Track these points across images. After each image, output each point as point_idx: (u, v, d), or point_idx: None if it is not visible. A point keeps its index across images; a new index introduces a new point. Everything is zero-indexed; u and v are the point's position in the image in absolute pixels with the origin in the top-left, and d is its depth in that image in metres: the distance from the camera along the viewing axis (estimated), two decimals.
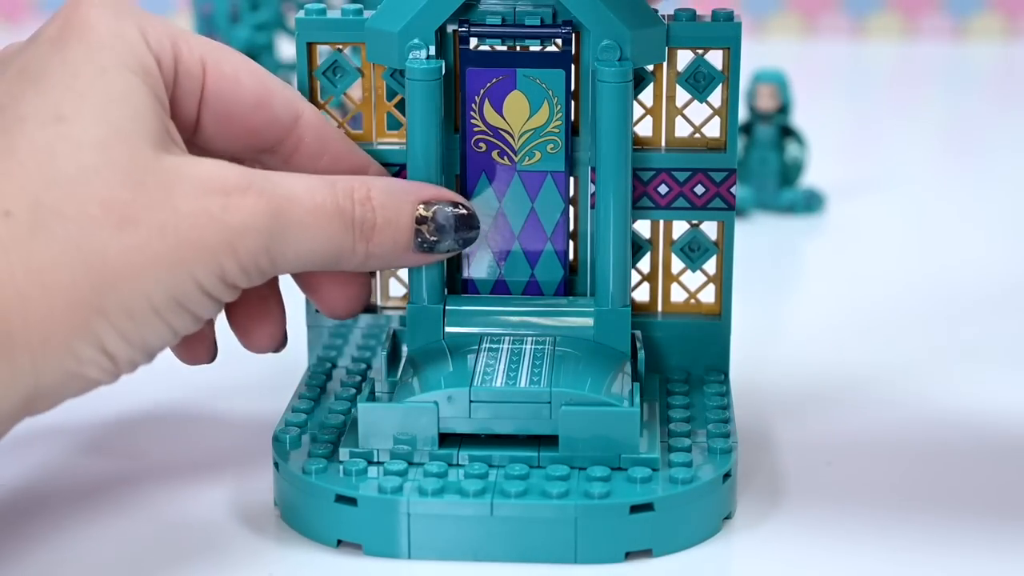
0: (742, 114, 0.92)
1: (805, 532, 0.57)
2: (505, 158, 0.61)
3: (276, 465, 0.57)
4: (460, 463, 0.56)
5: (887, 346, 0.74)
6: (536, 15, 0.59)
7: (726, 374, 0.63)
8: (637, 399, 0.57)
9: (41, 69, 0.52)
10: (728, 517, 0.57)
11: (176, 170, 0.52)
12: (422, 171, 0.59)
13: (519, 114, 0.60)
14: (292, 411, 0.60)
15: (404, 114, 0.60)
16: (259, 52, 0.97)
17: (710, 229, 0.63)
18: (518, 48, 0.60)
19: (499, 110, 0.60)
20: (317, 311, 0.64)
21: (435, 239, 0.57)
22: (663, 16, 0.60)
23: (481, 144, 0.61)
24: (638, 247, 0.63)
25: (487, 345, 0.59)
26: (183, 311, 0.52)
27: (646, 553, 0.55)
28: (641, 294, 0.64)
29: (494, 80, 0.60)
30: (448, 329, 0.61)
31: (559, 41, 0.59)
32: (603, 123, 0.59)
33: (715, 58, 0.61)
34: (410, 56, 0.58)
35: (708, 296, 0.64)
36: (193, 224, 0.51)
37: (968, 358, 0.73)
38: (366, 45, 0.60)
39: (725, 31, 0.60)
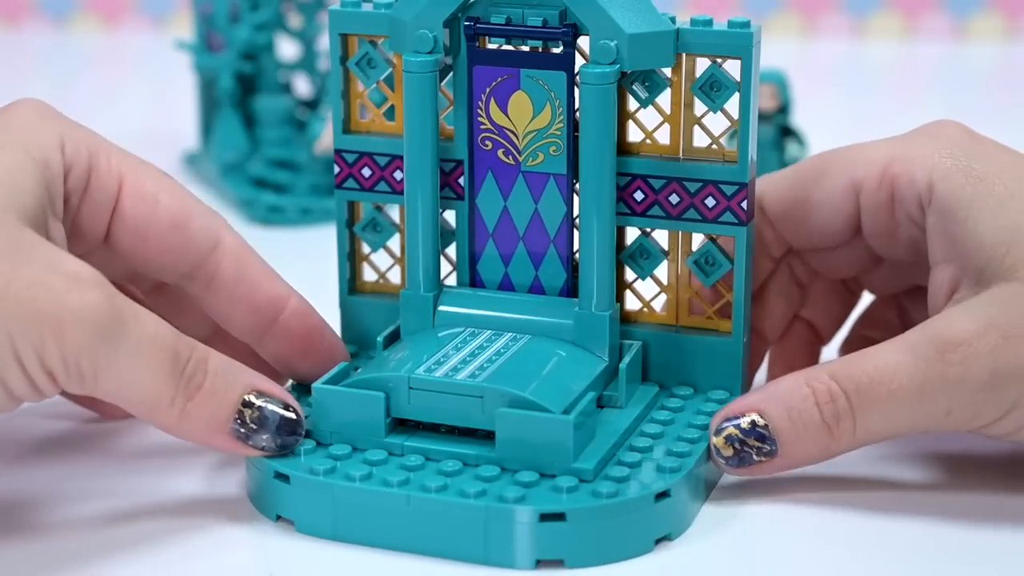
0: None
1: (742, 560, 0.55)
2: (510, 157, 0.61)
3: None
4: (402, 453, 0.57)
5: None
6: (539, 16, 0.59)
7: (733, 394, 0.61)
8: (581, 407, 0.56)
9: None
10: (666, 538, 0.55)
11: (35, 244, 0.53)
12: (417, 162, 0.60)
13: (523, 114, 0.60)
14: (291, 390, 0.62)
15: None
16: (259, 52, 0.96)
17: (729, 243, 0.61)
18: (528, 48, 0.60)
19: (504, 109, 0.60)
20: (351, 294, 0.66)
21: (253, 428, 0.56)
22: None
23: (487, 142, 0.61)
24: (655, 256, 0.62)
25: (464, 337, 0.60)
26: None
27: (558, 563, 0.54)
28: (657, 304, 0.63)
29: (499, 79, 0.60)
30: (437, 318, 0.61)
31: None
32: (586, 125, 0.58)
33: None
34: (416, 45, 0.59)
35: (725, 311, 0.62)
36: (30, 290, 0.51)
37: None
38: (390, 36, 0.62)
39: (736, 40, 0.58)
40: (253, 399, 0.56)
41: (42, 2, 1.46)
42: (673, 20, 0.59)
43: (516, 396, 0.56)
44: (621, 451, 0.57)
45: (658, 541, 0.55)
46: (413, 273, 0.62)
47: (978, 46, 1.34)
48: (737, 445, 0.56)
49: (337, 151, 0.64)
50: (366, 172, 0.64)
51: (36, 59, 1.40)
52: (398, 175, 0.63)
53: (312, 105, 0.98)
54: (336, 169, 0.64)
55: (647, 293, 0.63)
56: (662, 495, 0.55)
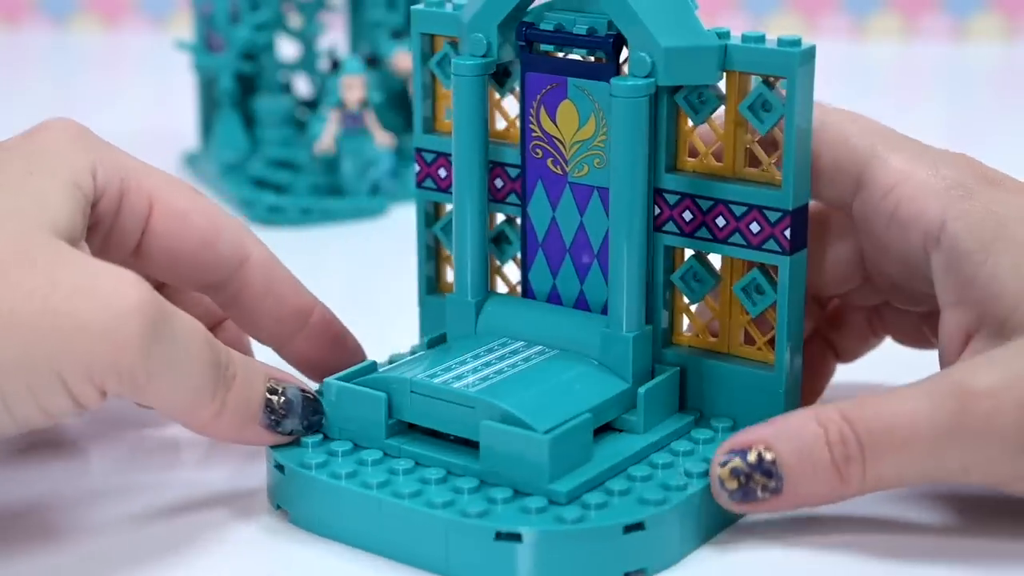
0: None
1: None
2: (558, 167, 0.60)
3: None
4: (398, 455, 0.56)
5: (887, 347, 0.66)
6: (587, 24, 0.58)
7: None
8: (568, 427, 0.54)
9: None
10: (640, 572, 0.53)
11: (69, 252, 0.51)
12: (465, 166, 0.60)
13: (569, 124, 0.59)
14: None
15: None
16: (259, 52, 0.96)
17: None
18: (577, 57, 0.59)
19: (552, 117, 0.59)
20: (430, 293, 0.65)
21: (283, 413, 0.56)
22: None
23: (538, 150, 0.60)
24: (705, 280, 0.60)
25: (492, 346, 0.59)
26: (29, 398, 0.50)
27: None
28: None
29: (549, 86, 0.59)
30: (479, 324, 0.61)
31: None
32: (615, 139, 0.57)
33: None
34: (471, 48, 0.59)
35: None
36: (71, 300, 0.50)
37: None
38: (459, 38, 0.61)
39: (779, 58, 0.55)
40: (275, 385, 0.56)
41: (42, 2, 1.47)
42: (724, 35, 0.57)
43: (502, 410, 0.55)
44: (615, 478, 0.55)
45: (629, 575, 0.53)
46: (461, 278, 0.61)
47: (978, 46, 1.32)
48: (742, 479, 0.54)
49: (417, 150, 0.64)
50: (442, 173, 0.63)
51: (36, 59, 1.41)
52: None
53: (312, 105, 0.98)
54: (416, 168, 0.64)
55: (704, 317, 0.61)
56: (633, 527, 0.52)
